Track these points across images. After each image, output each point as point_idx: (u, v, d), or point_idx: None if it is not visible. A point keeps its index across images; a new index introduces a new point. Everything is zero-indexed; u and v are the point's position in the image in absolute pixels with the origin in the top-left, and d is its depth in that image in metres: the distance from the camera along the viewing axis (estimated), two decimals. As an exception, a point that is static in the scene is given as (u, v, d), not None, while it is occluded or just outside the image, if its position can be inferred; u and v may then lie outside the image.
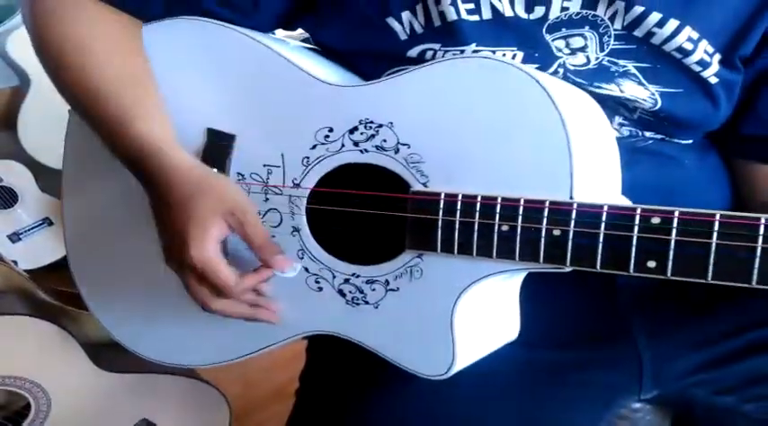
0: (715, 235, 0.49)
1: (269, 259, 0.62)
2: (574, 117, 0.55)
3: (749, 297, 0.66)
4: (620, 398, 0.70)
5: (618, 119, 0.66)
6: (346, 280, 0.64)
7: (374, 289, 0.62)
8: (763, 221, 0.48)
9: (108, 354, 1.05)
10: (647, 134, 0.67)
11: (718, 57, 0.62)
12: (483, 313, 0.61)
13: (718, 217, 0.49)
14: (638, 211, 0.51)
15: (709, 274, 0.49)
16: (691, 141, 0.69)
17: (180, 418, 1.10)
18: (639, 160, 0.65)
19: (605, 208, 0.52)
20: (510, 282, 0.62)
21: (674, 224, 0.50)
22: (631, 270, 0.52)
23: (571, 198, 0.53)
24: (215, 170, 0.67)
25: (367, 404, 0.64)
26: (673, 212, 0.50)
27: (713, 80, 0.63)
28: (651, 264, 0.51)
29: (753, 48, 0.63)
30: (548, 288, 0.63)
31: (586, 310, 0.70)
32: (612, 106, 0.65)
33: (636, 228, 0.51)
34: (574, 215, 0.53)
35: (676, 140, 0.68)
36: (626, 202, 0.57)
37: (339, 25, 0.66)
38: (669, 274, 0.50)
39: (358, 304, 0.63)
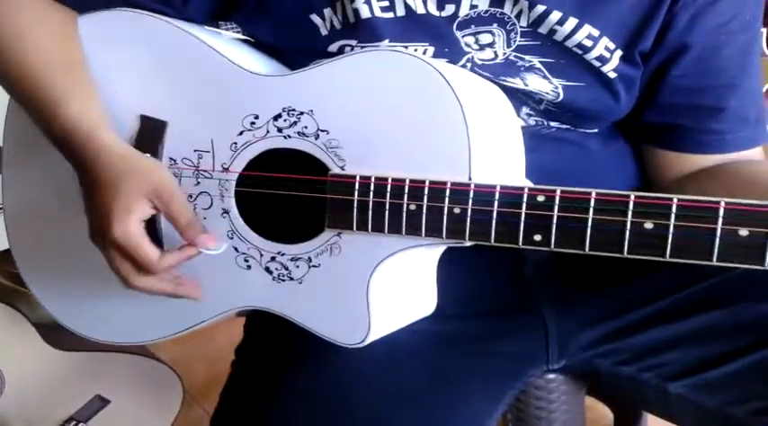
0: (591, 210, 0.54)
1: (193, 237, 0.64)
2: (474, 105, 0.59)
3: (647, 273, 0.71)
4: (529, 368, 0.73)
5: (525, 110, 0.70)
6: (273, 258, 0.68)
7: (298, 266, 0.67)
8: (632, 198, 0.53)
9: (61, 334, 1.07)
10: (553, 124, 0.71)
11: (619, 53, 0.65)
12: (398, 286, 0.66)
13: (593, 194, 0.54)
14: (526, 190, 0.56)
15: (587, 246, 0.54)
16: (596, 130, 0.73)
17: (133, 394, 1.14)
18: (544, 146, 0.69)
19: (498, 188, 0.57)
20: (426, 258, 0.67)
21: (556, 201, 0.55)
22: (520, 243, 0.56)
23: (470, 179, 0.58)
24: (148, 155, 0.69)
25: (290, 375, 0.67)
26: (555, 191, 0.55)
27: (612, 75, 0.66)
28: (537, 238, 0.56)
29: (651, 43, 0.66)
30: (460, 262, 0.67)
31: (496, 284, 0.74)
32: (520, 98, 0.68)
33: (524, 206, 0.56)
34: (471, 194, 0.58)
35: (581, 129, 0.72)
36: (527, 184, 0.61)
37: (265, 21, 0.69)
38: (552, 246, 0.55)
39: (283, 280, 0.67)
